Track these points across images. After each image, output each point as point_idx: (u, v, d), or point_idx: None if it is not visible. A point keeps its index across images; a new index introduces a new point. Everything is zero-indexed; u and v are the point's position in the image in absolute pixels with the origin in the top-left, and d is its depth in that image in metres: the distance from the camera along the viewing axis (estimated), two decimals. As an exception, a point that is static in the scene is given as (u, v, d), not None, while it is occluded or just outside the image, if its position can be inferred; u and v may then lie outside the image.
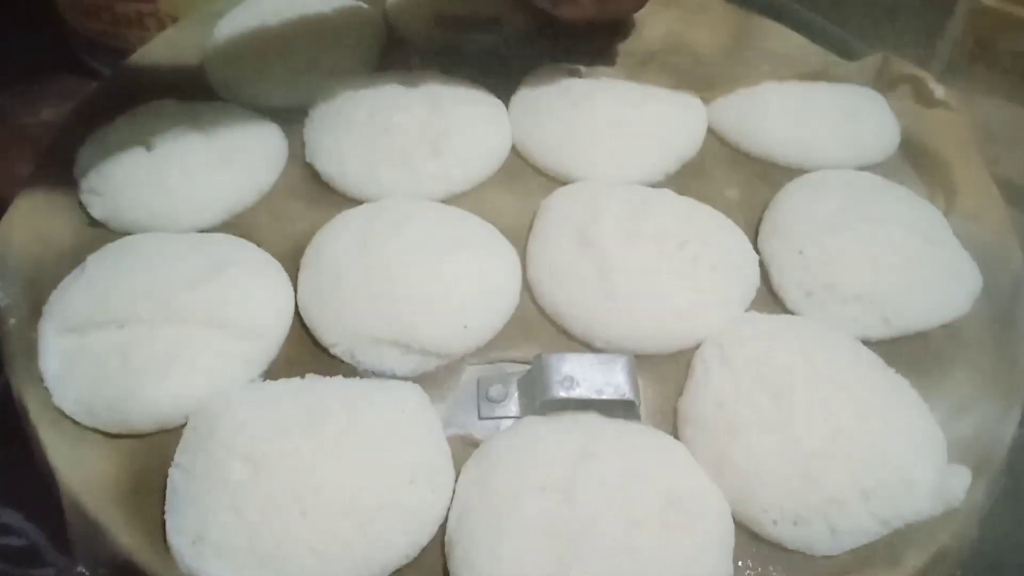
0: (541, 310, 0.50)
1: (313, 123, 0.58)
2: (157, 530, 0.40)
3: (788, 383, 0.44)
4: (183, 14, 0.69)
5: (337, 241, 0.50)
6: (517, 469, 0.41)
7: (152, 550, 0.40)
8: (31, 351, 0.46)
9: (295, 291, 0.49)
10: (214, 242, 0.51)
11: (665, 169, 0.58)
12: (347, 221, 0.52)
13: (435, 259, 0.48)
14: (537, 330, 0.49)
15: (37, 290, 0.48)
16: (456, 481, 0.42)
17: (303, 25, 0.63)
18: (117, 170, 0.53)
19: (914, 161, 0.60)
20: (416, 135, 0.55)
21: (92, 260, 0.49)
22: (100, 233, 0.52)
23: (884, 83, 0.63)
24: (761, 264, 0.52)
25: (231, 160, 0.54)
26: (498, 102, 0.60)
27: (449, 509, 0.41)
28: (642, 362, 0.47)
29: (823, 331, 0.48)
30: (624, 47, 0.65)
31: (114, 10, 0.70)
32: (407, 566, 0.40)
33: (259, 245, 0.51)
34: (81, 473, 0.42)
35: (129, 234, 0.51)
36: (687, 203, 0.54)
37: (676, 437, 0.45)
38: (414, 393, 0.44)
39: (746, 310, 0.50)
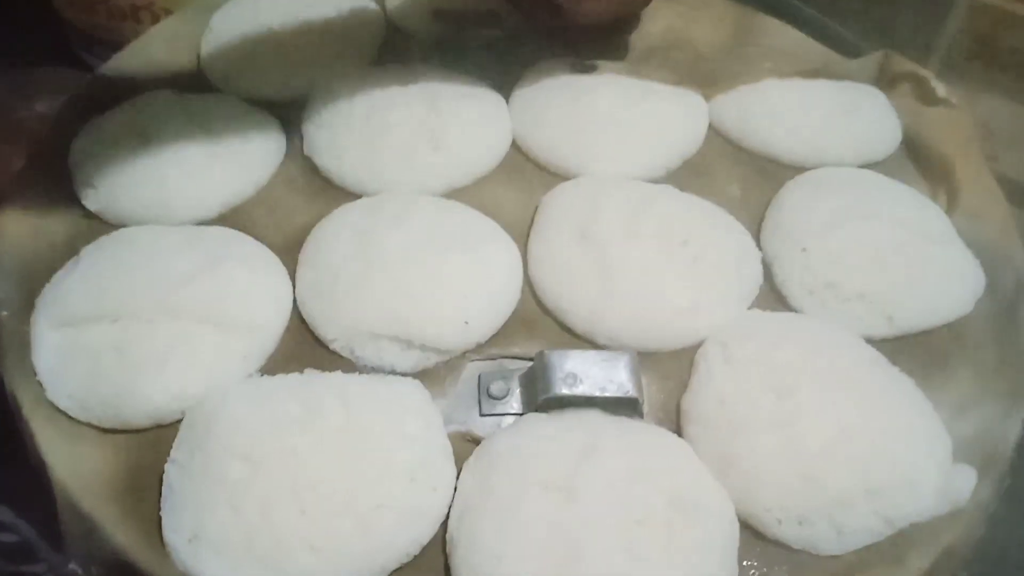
0: (543, 306, 0.49)
1: (312, 116, 0.57)
2: (153, 528, 0.40)
3: (792, 381, 0.44)
4: (179, 7, 0.68)
5: (336, 235, 0.50)
6: (519, 467, 0.41)
7: (147, 548, 0.39)
8: (24, 345, 0.45)
9: (293, 285, 0.49)
10: (211, 235, 0.50)
11: (666, 165, 0.57)
12: (346, 215, 0.51)
13: (435, 254, 0.48)
14: (539, 326, 0.49)
15: (31, 283, 0.48)
16: (457, 479, 0.42)
17: (301, 17, 0.62)
18: (112, 162, 0.52)
19: (916, 159, 0.60)
20: (416, 129, 0.55)
21: (86, 253, 0.48)
22: (95, 226, 0.51)
23: (885, 80, 0.63)
24: (763, 262, 0.52)
25: (228, 153, 0.54)
26: (498, 97, 0.60)
27: (450, 507, 0.41)
28: (645, 359, 0.47)
29: (827, 329, 0.48)
30: (625, 42, 0.65)
31: (109, 3, 0.70)
32: (407, 565, 0.40)
33: (257, 239, 0.51)
34: (75, 469, 0.42)
35: (124, 227, 0.51)
36: (689, 200, 0.54)
37: (679, 435, 0.44)
38: (414, 389, 0.44)
39: (749, 308, 0.50)
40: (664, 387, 0.46)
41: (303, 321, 0.48)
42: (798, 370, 0.44)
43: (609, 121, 0.57)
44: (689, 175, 0.57)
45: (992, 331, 0.50)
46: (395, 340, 0.46)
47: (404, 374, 0.46)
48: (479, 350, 0.47)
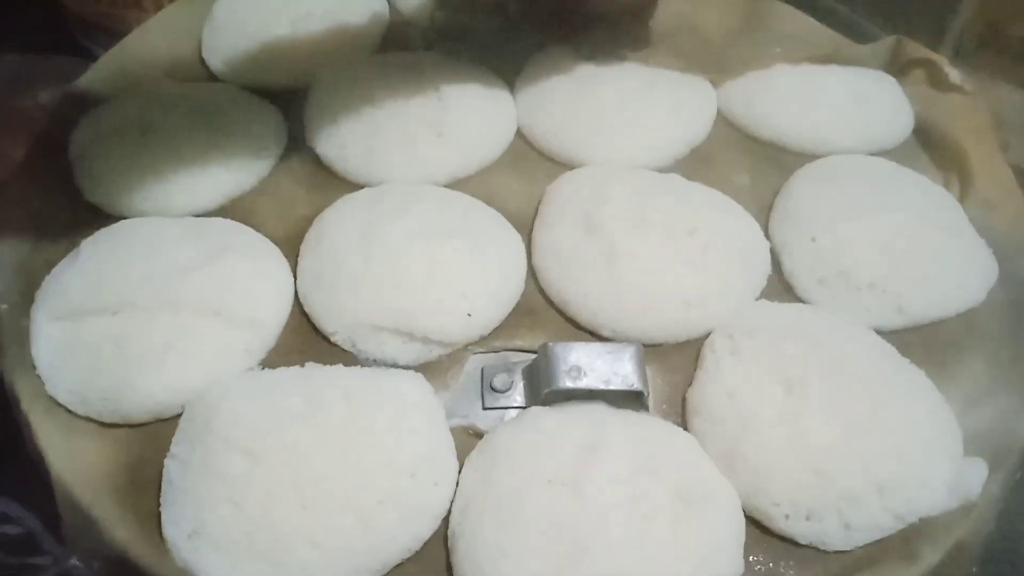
0: (547, 298, 0.49)
1: (314, 106, 0.56)
2: (152, 523, 0.40)
3: (800, 374, 0.43)
4: (181, -6, 0.68)
5: (338, 227, 0.49)
6: (522, 461, 0.40)
7: (147, 543, 0.39)
8: (23, 338, 0.45)
9: (295, 277, 0.48)
10: (212, 227, 0.50)
11: (674, 154, 0.57)
12: (348, 206, 0.51)
13: (438, 245, 0.47)
14: (543, 318, 0.48)
15: (30, 276, 0.48)
16: (459, 473, 0.41)
17: (304, 6, 0.62)
18: (112, 153, 0.52)
19: (928, 147, 0.59)
20: (419, 118, 0.54)
21: (86, 245, 0.48)
22: (95, 217, 0.51)
23: (897, 66, 0.62)
24: (772, 252, 0.51)
25: (229, 143, 0.53)
26: (503, 85, 0.59)
27: (452, 502, 0.41)
28: (650, 351, 0.46)
29: (836, 320, 0.47)
30: (631, 29, 0.64)
31: (111, -9, 0.69)
32: (409, 560, 0.40)
33: (258, 230, 0.50)
34: (74, 464, 0.41)
35: (124, 218, 0.50)
36: (696, 189, 0.53)
37: (685, 428, 0.44)
38: (416, 383, 0.44)
39: (757, 299, 0.49)
40: (670, 380, 0.46)
41: (304, 314, 0.47)
42: (807, 362, 0.43)
43: (615, 109, 0.57)
44: (697, 163, 0.56)
45: (1004, 322, 0.49)
46: (397, 333, 0.45)
47: (406, 367, 0.45)
48: (482, 342, 0.47)
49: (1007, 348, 0.48)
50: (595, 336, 0.47)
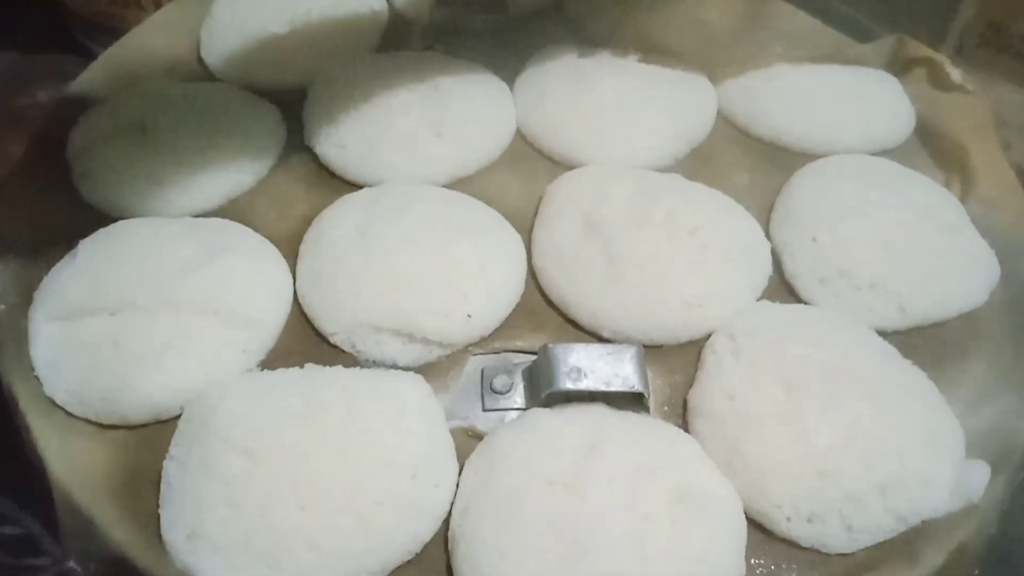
0: (547, 298, 0.49)
1: (313, 105, 0.56)
2: (151, 524, 0.39)
3: (802, 375, 0.43)
4: (180, -7, 0.68)
5: (337, 226, 0.49)
6: (522, 463, 0.40)
7: (145, 545, 0.39)
8: (21, 339, 0.45)
9: (294, 278, 0.48)
10: (210, 227, 0.50)
11: (674, 153, 0.56)
12: (347, 206, 0.51)
13: (438, 245, 0.47)
14: (543, 319, 0.48)
15: (28, 276, 0.47)
16: (459, 475, 0.41)
17: (302, 4, 0.61)
18: (110, 152, 0.52)
19: (929, 146, 0.59)
20: (418, 117, 0.54)
21: (84, 245, 0.48)
22: (93, 217, 0.50)
23: (899, 65, 0.62)
24: (773, 252, 0.51)
25: (228, 143, 0.53)
26: (502, 83, 0.59)
27: (452, 504, 0.40)
28: (651, 353, 0.46)
29: (837, 321, 0.47)
30: (633, 27, 0.64)
31: (110, -11, 0.69)
32: (408, 562, 0.39)
33: (257, 230, 0.50)
34: (72, 465, 0.41)
35: (123, 218, 0.50)
36: (697, 188, 0.53)
37: (686, 430, 0.44)
38: (416, 384, 0.43)
39: (758, 299, 0.49)
40: (670, 381, 0.46)
41: (303, 314, 0.47)
42: (808, 363, 0.43)
43: (615, 108, 0.56)
44: (697, 163, 0.56)
45: (1007, 322, 0.49)
46: (397, 333, 0.45)
47: (406, 368, 0.45)
48: (482, 343, 0.47)
49: (1009, 349, 0.48)
50: (596, 337, 0.47)
